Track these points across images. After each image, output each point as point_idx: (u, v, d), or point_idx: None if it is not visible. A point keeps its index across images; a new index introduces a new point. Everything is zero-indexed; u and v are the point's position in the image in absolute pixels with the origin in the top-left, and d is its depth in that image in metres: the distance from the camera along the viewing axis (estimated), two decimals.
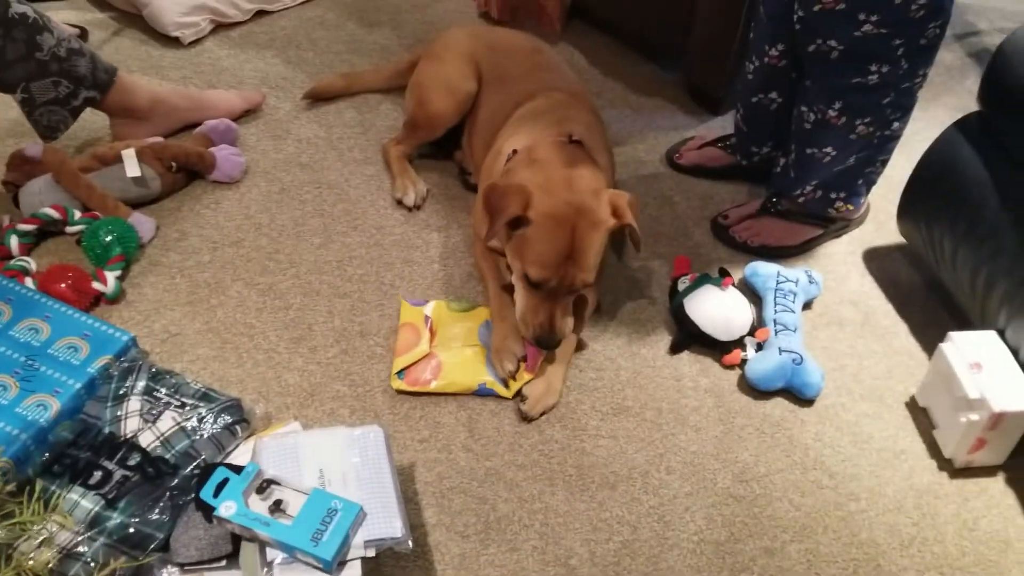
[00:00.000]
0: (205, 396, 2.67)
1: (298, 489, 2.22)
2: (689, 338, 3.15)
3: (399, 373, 2.89)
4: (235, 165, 3.58)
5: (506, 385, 2.87)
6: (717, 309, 3.10)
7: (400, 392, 2.86)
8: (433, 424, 2.80)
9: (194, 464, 2.51)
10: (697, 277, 3.22)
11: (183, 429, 2.54)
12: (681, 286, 3.24)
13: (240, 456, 2.58)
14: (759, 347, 3.08)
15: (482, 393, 2.90)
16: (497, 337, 2.90)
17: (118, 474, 2.44)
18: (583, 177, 2.72)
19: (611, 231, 2.72)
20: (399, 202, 3.53)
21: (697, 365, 3.08)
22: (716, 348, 3.13)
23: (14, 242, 3.14)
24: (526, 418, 2.84)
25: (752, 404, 2.98)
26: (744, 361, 3.08)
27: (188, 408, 2.61)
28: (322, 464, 2.28)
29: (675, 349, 3.15)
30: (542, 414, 2.86)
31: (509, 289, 2.95)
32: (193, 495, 2.36)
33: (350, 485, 2.24)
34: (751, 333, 3.12)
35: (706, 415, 2.93)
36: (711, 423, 2.90)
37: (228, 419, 2.60)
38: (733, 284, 3.20)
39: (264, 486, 2.21)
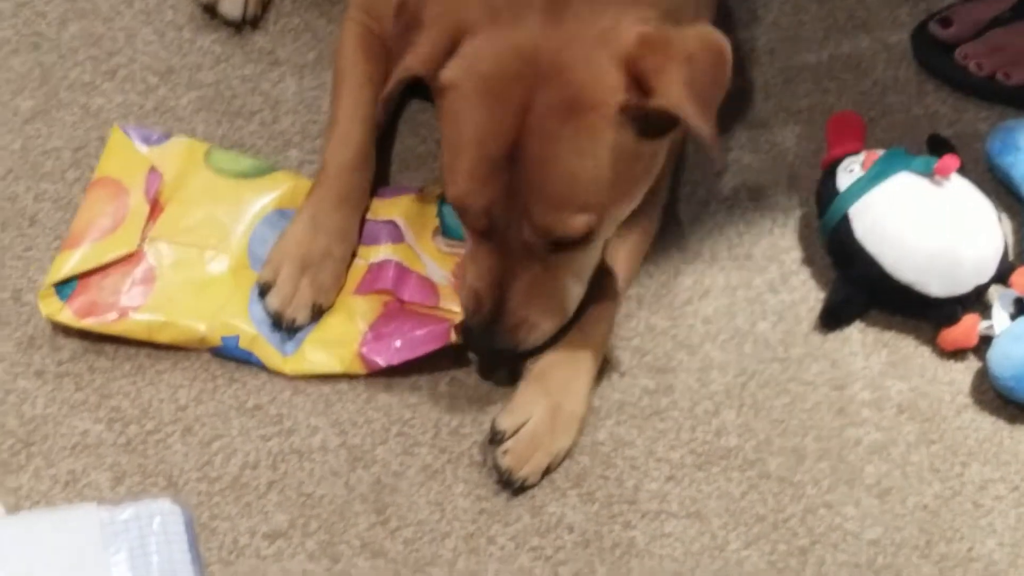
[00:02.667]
0: None
1: None
2: (862, 293, 2.09)
3: (62, 287, 1.94)
4: None
5: (280, 330, 1.94)
6: (925, 229, 2.11)
7: (58, 328, 1.97)
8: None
9: None
10: (881, 157, 2.14)
11: None
12: (845, 179, 2.12)
13: None
14: (1020, 308, 2.14)
15: (230, 355, 1.93)
16: (309, 210, 2.00)
17: None
18: (601, 6, 1.78)
19: (634, 118, 1.74)
20: (208, 10, 2.37)
21: (881, 352, 2.09)
22: (923, 312, 2.14)
23: None
24: (508, 482, 1.87)
25: (1006, 433, 2.04)
26: (986, 340, 2.12)
27: None
28: None
29: (832, 317, 2.08)
30: (545, 474, 1.89)
31: None
32: None
33: None
34: (1001, 279, 2.16)
35: (900, 464, 1.99)
36: (913, 482, 1.97)
37: None
38: (959, 170, 2.16)
39: None
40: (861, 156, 2.10)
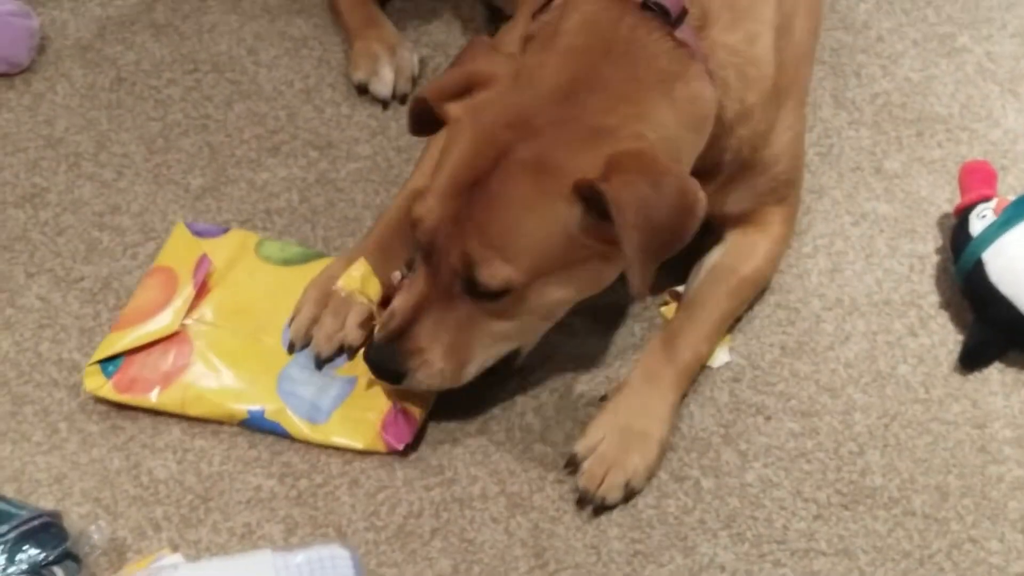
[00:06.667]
0: None
1: None
2: (1000, 335, 2.04)
3: (107, 363, 1.99)
4: (19, 36, 2.50)
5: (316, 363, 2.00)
6: None
7: (102, 402, 2.00)
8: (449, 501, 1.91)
9: None
10: (1012, 203, 2.10)
11: None
12: (978, 225, 2.08)
13: None
14: None
15: (257, 426, 1.95)
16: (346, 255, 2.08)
17: None
18: (618, 94, 1.79)
19: (588, 206, 1.76)
20: (361, 89, 2.42)
21: (1021, 391, 2.05)
22: None
23: None
24: (584, 501, 1.87)
25: None
26: None
27: None
28: None
29: (971, 358, 2.04)
30: (629, 495, 1.88)
31: None
32: None
33: None
34: None
35: None
36: None
37: (37, 553, 1.81)
38: None
39: None
40: (993, 202, 2.06)
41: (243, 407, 1.92)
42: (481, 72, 1.84)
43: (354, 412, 1.92)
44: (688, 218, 1.74)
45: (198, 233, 2.10)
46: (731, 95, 1.83)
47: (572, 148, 1.74)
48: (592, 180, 1.68)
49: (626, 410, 1.88)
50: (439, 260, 1.79)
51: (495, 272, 1.75)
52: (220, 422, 1.93)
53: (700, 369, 1.97)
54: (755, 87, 1.87)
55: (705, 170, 1.85)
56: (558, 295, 1.79)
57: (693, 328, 1.96)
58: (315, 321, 1.96)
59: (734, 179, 1.96)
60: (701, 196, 1.74)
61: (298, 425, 1.90)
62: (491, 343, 1.84)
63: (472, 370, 1.84)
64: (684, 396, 1.94)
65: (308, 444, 1.92)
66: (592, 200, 1.70)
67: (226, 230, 2.11)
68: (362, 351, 1.93)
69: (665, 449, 1.87)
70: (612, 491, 1.83)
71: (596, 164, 1.71)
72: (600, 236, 1.73)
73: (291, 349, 1.95)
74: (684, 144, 1.79)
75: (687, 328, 1.95)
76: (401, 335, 1.83)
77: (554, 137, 1.75)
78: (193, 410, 1.92)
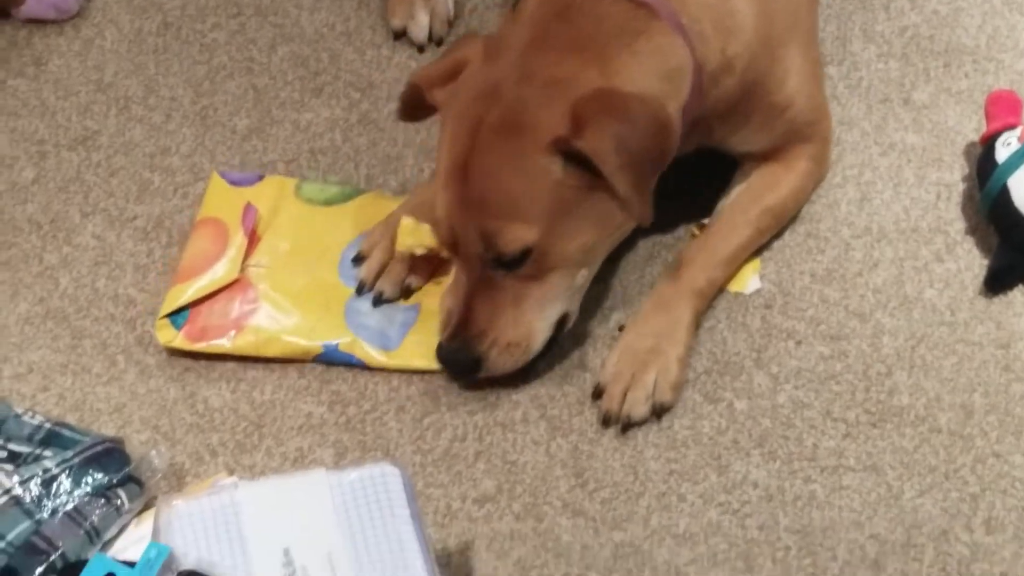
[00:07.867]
0: (54, 438, 1.91)
1: None
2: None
3: (175, 316, 2.00)
4: None
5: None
6: None
7: (174, 352, 2.01)
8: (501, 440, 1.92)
9: (44, 565, 1.81)
10: None
11: (17, 502, 1.83)
12: (1003, 152, 2.06)
13: (131, 543, 1.84)
14: None
15: (332, 359, 1.98)
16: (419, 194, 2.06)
17: None
18: (570, 47, 1.83)
19: (569, 157, 1.78)
20: (399, 34, 2.42)
21: None
22: None
23: None
24: (609, 421, 1.89)
25: None
26: None
27: (24, 462, 1.88)
28: (287, 540, 1.65)
29: (995, 281, 2.03)
30: (659, 411, 1.90)
31: None
32: None
33: None
34: None
35: None
36: None
37: (101, 477, 1.84)
38: None
39: None
40: (1018, 130, 2.04)
41: (317, 343, 1.94)
42: (461, 56, 1.89)
43: (425, 336, 1.95)
44: (666, 136, 1.77)
45: (234, 182, 2.12)
46: (711, 46, 1.85)
47: (537, 103, 1.78)
48: (567, 137, 1.72)
49: (639, 335, 1.91)
50: (464, 248, 1.82)
51: (510, 237, 1.78)
52: (297, 361, 1.96)
53: (718, 292, 2.00)
54: (736, 38, 1.89)
55: (703, 118, 1.90)
56: (578, 241, 1.82)
57: (707, 254, 1.98)
58: (384, 266, 2.00)
59: (748, 122, 1.99)
60: (671, 110, 1.78)
61: (372, 354, 1.93)
62: (542, 308, 1.86)
63: (539, 339, 1.87)
64: (701, 316, 1.96)
65: (382, 371, 1.94)
66: (571, 151, 1.74)
67: (261, 177, 2.14)
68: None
69: (685, 365, 1.90)
70: (635, 407, 1.86)
71: (561, 115, 1.75)
72: (587, 176, 1.76)
73: (360, 291, 1.98)
74: (658, 94, 1.81)
75: (700, 254, 1.97)
76: (462, 327, 1.85)
77: (516, 97, 1.78)
78: (268, 351, 1.95)
